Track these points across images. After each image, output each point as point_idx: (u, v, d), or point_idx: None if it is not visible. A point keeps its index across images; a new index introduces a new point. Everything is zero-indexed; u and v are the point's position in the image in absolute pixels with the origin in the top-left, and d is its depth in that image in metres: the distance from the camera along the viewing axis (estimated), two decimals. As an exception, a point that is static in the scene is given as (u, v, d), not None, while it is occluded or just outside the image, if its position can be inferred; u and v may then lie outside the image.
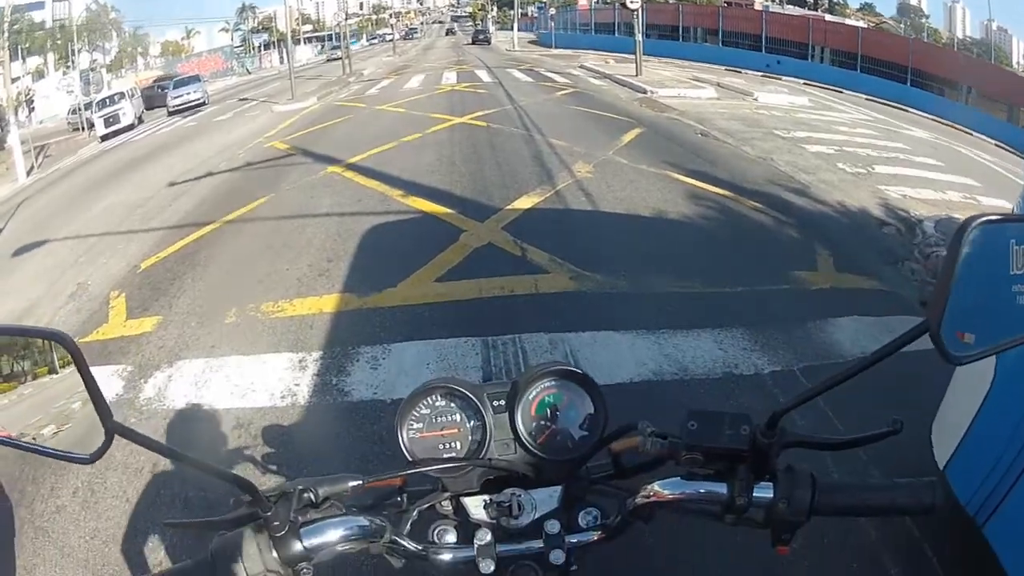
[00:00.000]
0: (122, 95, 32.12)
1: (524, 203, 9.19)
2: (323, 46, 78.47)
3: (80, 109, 32.73)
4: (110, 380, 5.45)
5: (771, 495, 1.11)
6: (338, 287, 7.00)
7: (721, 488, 1.13)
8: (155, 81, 43.48)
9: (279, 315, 6.53)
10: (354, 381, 5.18)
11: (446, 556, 1.24)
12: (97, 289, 8.05)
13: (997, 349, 1.09)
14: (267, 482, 3.84)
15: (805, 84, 28.23)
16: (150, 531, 3.78)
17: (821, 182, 10.62)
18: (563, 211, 8.93)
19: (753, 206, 9.09)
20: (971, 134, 21.68)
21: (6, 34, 34.20)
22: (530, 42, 58.46)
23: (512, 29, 60.56)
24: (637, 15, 26.65)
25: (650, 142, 13.37)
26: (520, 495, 1.27)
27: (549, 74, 28.69)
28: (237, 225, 9.79)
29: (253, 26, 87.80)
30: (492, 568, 1.20)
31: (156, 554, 3.60)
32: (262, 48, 76.27)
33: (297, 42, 66.48)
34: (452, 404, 1.34)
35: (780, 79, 29.04)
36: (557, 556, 1.21)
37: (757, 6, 51.98)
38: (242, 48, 77.60)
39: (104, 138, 28.90)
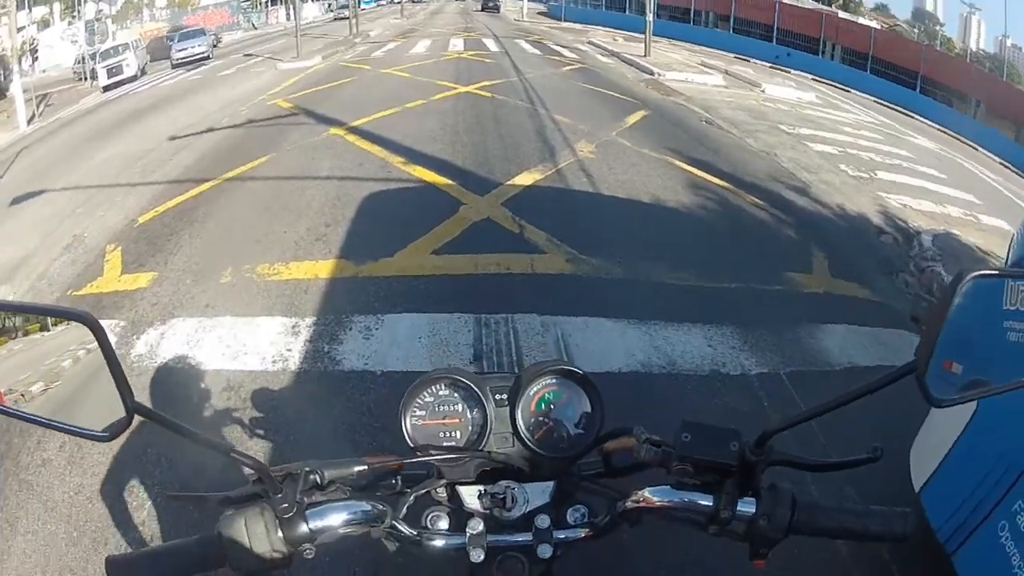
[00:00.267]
0: (126, 46, 31.89)
1: (525, 179, 9.19)
2: (330, 4, 77.72)
3: (85, 59, 32.31)
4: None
5: (753, 510, 1.16)
6: (335, 253, 7.00)
7: (707, 500, 1.18)
8: (166, 33, 43.10)
9: (274, 278, 6.54)
10: (346, 350, 5.21)
11: (438, 542, 1.27)
12: (93, 241, 8.03)
13: (977, 395, 1.14)
14: (254, 447, 3.90)
15: (813, 79, 28.11)
16: (135, 489, 3.81)
17: (822, 183, 10.61)
18: (563, 190, 8.93)
19: (753, 201, 9.10)
20: (976, 149, 21.64)
21: None
22: (539, 13, 57.84)
23: (521, -1, 59.98)
24: (649, -5, 26.39)
25: (654, 126, 13.33)
26: (514, 488, 1.29)
27: (557, 48, 28.51)
28: (237, 183, 9.75)
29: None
30: (482, 557, 1.23)
31: (140, 512, 3.64)
32: (268, 4, 75.44)
33: (304, -1, 65.83)
34: (455, 394, 1.37)
35: (788, 72, 28.91)
36: (544, 550, 1.24)
37: (771, -3, 51.57)
38: (249, 3, 76.73)
39: (106, 88, 28.61)
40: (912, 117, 24.55)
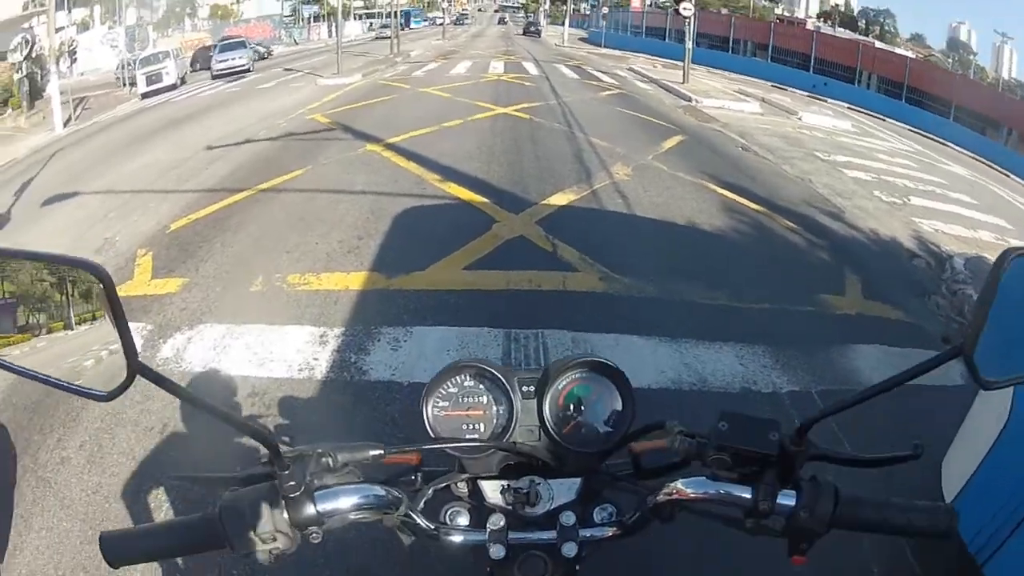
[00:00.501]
0: (167, 54, 32.17)
1: (560, 199, 9.18)
2: (371, 23, 78.54)
3: (127, 64, 32.81)
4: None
5: (793, 503, 1.11)
6: (366, 265, 7.03)
7: (746, 492, 1.13)
8: (214, 43, 43.81)
9: (304, 288, 6.58)
10: (373, 361, 5.21)
11: (457, 538, 1.24)
12: (124, 245, 8.11)
13: None
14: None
15: (849, 108, 27.99)
16: (155, 491, 3.81)
17: (856, 208, 10.54)
18: (598, 211, 8.91)
19: (787, 225, 9.05)
20: (1008, 176, 21.47)
21: None
22: (580, 39, 58.24)
23: (563, 24, 60.41)
24: (689, 23, 26.60)
25: (690, 151, 13.33)
26: (539, 483, 1.27)
27: (596, 73, 28.59)
28: (271, 194, 9.82)
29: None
30: (503, 554, 1.20)
31: (159, 514, 3.63)
32: (311, 20, 76.43)
33: (347, 17, 66.54)
34: (480, 385, 1.34)
35: (825, 101, 28.79)
36: (569, 548, 1.21)
37: (808, 26, 51.58)
38: (292, 18, 77.84)
39: (145, 96, 28.97)
40: (946, 145, 24.41)
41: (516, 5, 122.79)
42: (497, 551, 1.21)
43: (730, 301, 6.40)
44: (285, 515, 1.10)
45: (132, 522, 3.60)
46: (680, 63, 26.56)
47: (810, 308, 6.55)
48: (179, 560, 2.61)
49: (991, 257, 6.95)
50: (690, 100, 21.03)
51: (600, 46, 49.07)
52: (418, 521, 1.23)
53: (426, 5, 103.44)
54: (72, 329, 1.14)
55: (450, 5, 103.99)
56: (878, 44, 41.55)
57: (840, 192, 11.39)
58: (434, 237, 7.71)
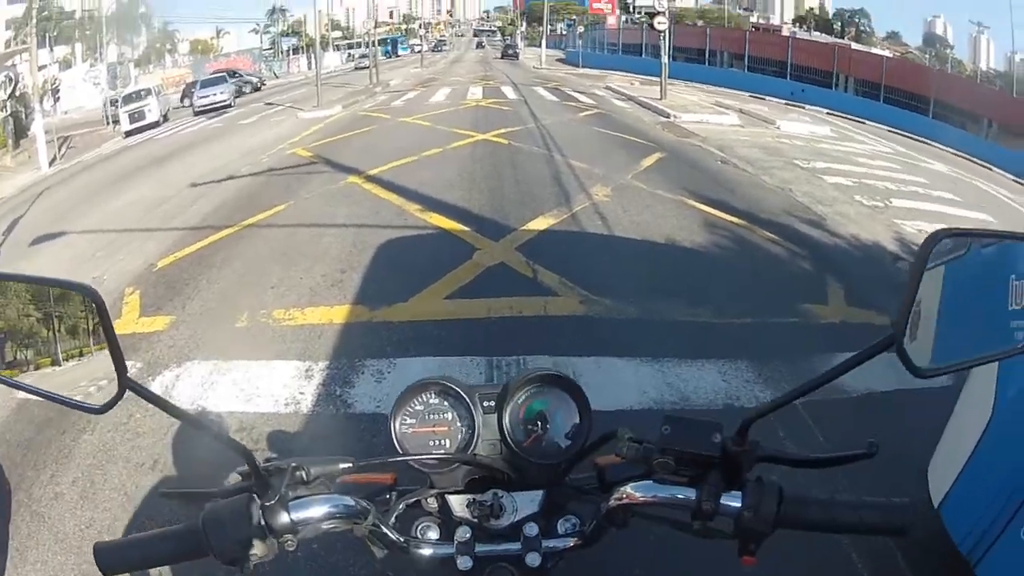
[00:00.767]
0: (148, 91, 32.41)
1: (540, 224, 9.24)
2: (351, 54, 78.88)
3: (112, 102, 32.90)
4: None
5: (739, 504, 1.12)
6: (350, 298, 7.08)
7: (691, 493, 1.14)
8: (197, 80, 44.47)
9: (289, 323, 6.62)
10: (358, 393, 5.25)
11: (427, 551, 1.27)
12: (112, 284, 8.15)
13: (964, 365, 1.14)
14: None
15: (828, 114, 28.22)
16: (148, 526, 3.82)
17: (837, 214, 10.63)
18: (578, 234, 8.96)
19: (767, 237, 9.10)
20: (991, 169, 21.67)
21: (34, 20, 34.52)
22: (557, 60, 58.53)
23: (540, 46, 60.72)
24: (664, 36, 26.74)
25: (670, 167, 13.42)
26: (503, 496, 1.30)
27: (574, 94, 28.80)
28: (255, 230, 9.91)
29: (283, 29, 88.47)
30: (469, 565, 1.23)
31: None
32: (291, 52, 76.72)
33: (325, 48, 66.79)
34: (445, 402, 1.38)
35: (803, 108, 29.02)
36: (533, 559, 1.24)
37: (784, 32, 51.93)
38: (271, 51, 78.09)
39: (128, 134, 29.23)
40: (926, 143, 24.59)
41: (492, 28, 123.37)
42: (464, 562, 1.23)
43: (712, 318, 6.42)
44: (263, 523, 1.14)
45: None
46: (656, 79, 26.76)
47: (793, 319, 6.57)
48: (168, 569, 2.65)
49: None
50: (668, 116, 21.20)
51: (578, 66, 49.41)
52: (388, 532, 1.25)
53: (404, 32, 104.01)
54: (66, 348, 1.20)
55: (427, 32, 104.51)
56: (854, 46, 41.92)
57: (820, 199, 11.49)
58: (416, 268, 7.74)
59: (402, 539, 1.26)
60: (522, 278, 7.36)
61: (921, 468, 3.17)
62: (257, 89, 46.82)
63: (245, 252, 8.93)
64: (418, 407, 1.38)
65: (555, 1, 75.31)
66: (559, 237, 8.81)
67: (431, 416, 1.38)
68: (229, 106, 34.28)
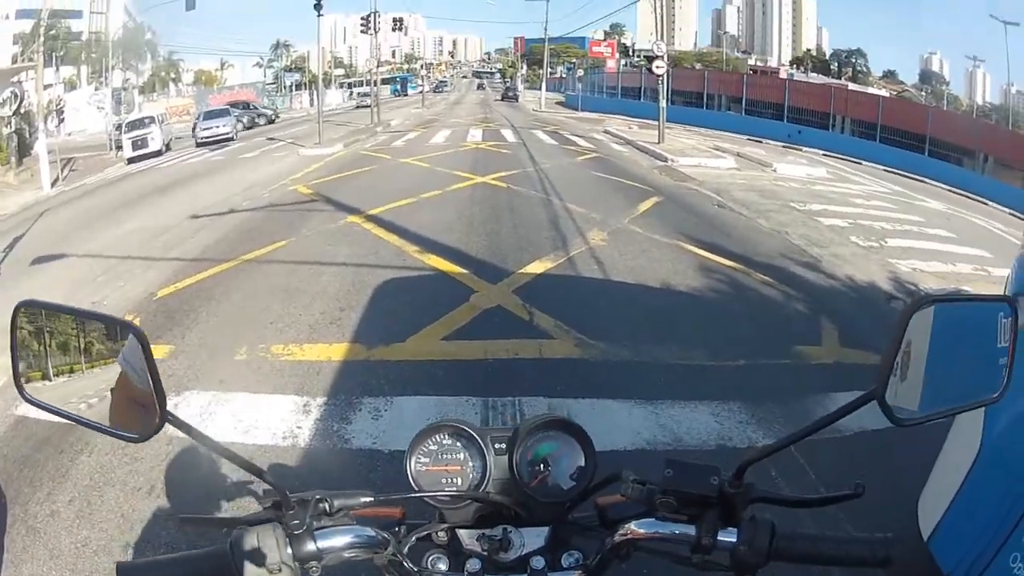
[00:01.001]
0: (152, 120, 32.63)
1: (537, 267, 9.31)
2: (352, 92, 79.38)
3: (117, 128, 33.09)
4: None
5: (735, 539, 1.22)
6: (348, 336, 7.14)
7: (690, 529, 1.23)
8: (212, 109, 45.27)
9: (288, 358, 6.68)
10: (355, 429, 5.29)
11: None
12: (112, 309, 8.18)
13: (940, 415, 1.23)
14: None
15: (825, 155, 28.48)
16: (145, 549, 3.89)
17: (833, 256, 10.75)
18: (574, 278, 9.03)
19: (763, 280, 9.19)
20: (986, 203, 21.90)
21: (41, 37, 34.78)
22: (557, 103, 59.01)
23: (540, 89, 61.17)
24: (662, 81, 26.98)
25: (666, 212, 13.55)
26: (511, 531, 1.35)
27: (573, 137, 29.09)
28: (255, 265, 9.99)
29: (286, 64, 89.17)
30: None
31: None
32: (293, 88, 77.23)
33: (328, 85, 67.25)
34: (458, 443, 1.45)
35: (800, 150, 29.27)
36: None
37: (782, 74, 52.33)
38: (274, 85, 78.59)
39: (131, 160, 29.42)
40: (923, 181, 24.85)
41: (491, 71, 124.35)
42: None
43: (705, 360, 6.48)
44: (289, 551, 1.22)
45: None
46: (655, 122, 26.93)
47: (786, 361, 6.64)
48: None
49: (971, 288, 7.13)
50: (666, 160, 21.38)
51: (577, 109, 49.78)
52: (404, 563, 1.31)
53: (406, 71, 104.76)
54: (106, 379, 1.23)
55: (429, 73, 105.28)
56: (851, 86, 42.23)
57: (816, 241, 11.62)
58: (414, 308, 7.79)
59: (416, 569, 1.32)
60: (519, 321, 7.42)
61: (911, 503, 3.23)
62: (271, 122, 47.60)
63: (245, 286, 9.01)
64: (432, 447, 1.46)
65: (555, 44, 75.93)
66: (556, 281, 8.87)
67: (444, 456, 1.45)
68: (231, 139, 34.59)
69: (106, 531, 4.08)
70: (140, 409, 1.16)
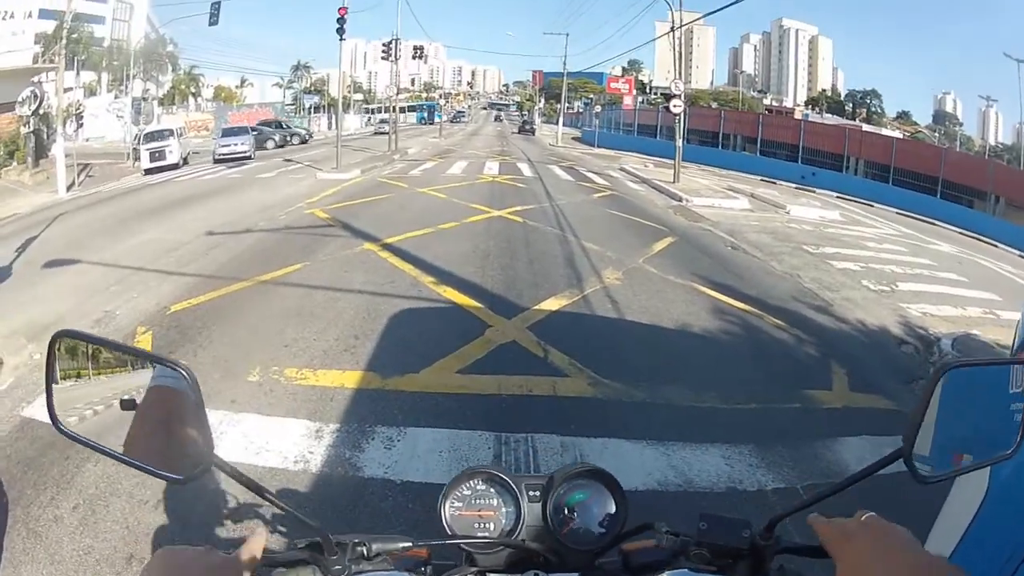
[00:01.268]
0: (171, 132, 33.11)
1: (552, 304, 9.33)
2: (370, 118, 79.83)
3: (136, 138, 33.39)
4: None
5: None
6: (362, 364, 7.14)
7: None
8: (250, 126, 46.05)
9: (301, 382, 6.70)
10: (367, 458, 5.29)
11: None
12: (124, 320, 8.35)
13: (961, 471, 1.33)
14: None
15: (838, 197, 28.59)
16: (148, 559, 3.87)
17: (844, 300, 10.82)
18: (588, 316, 9.04)
19: (775, 323, 9.24)
20: (996, 246, 22.04)
21: (64, 39, 35.08)
22: (573, 138, 59.19)
23: (557, 123, 61.42)
24: (679, 120, 27.10)
25: (681, 252, 13.62)
26: None
27: (589, 174, 29.24)
28: (270, 287, 10.00)
29: (306, 86, 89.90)
30: None
31: None
32: (312, 110, 77.75)
33: (347, 109, 67.72)
34: (491, 489, 1.51)
35: (814, 191, 29.35)
36: None
37: (797, 114, 52.46)
38: (293, 106, 79.24)
39: (148, 171, 29.76)
40: (934, 224, 24.99)
41: (507, 103, 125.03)
42: None
43: (717, 403, 6.52)
44: None
45: None
46: (670, 161, 27.08)
47: (797, 405, 6.69)
48: None
49: (979, 333, 7.19)
50: (680, 200, 21.51)
51: (593, 146, 49.88)
52: None
53: (424, 99, 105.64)
54: (149, 415, 1.24)
55: (447, 102, 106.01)
56: (865, 127, 42.29)
57: (828, 285, 11.69)
58: (429, 340, 7.81)
59: None
60: (533, 357, 7.44)
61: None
62: (304, 141, 48.21)
63: (259, 307, 9.03)
64: (466, 492, 1.51)
65: (573, 79, 76.42)
66: (570, 319, 8.88)
67: (478, 500, 1.50)
68: (249, 157, 34.91)
69: (109, 541, 4.10)
70: (182, 449, 1.18)
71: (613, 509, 1.50)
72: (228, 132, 38.46)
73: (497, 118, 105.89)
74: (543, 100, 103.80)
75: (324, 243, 13.03)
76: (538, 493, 1.50)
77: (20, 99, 28.67)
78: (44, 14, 51.27)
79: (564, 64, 60.16)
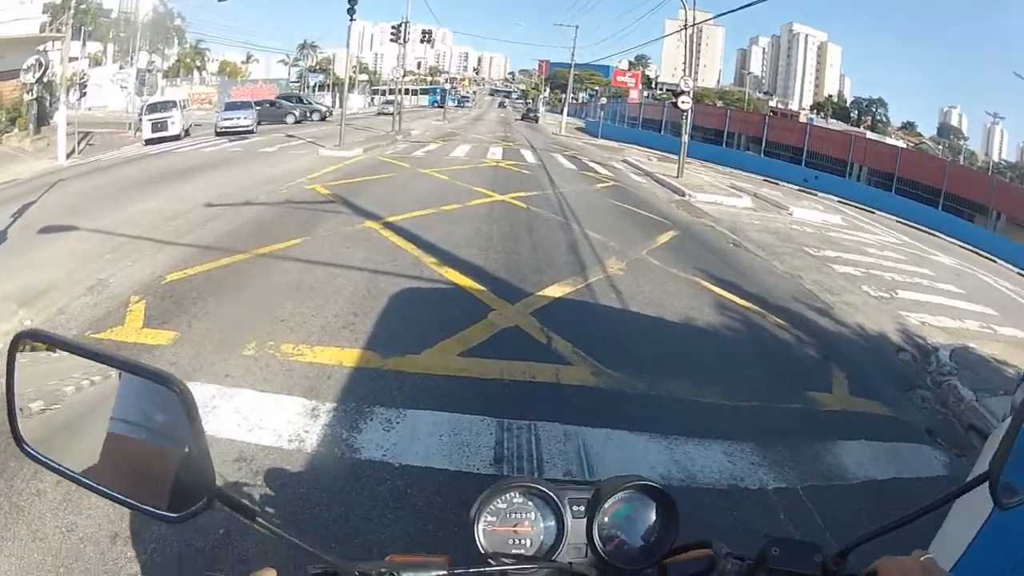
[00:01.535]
0: (174, 104, 33.22)
1: (555, 291, 9.26)
2: (373, 98, 79.93)
3: (142, 109, 33.27)
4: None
5: None
6: (361, 343, 7.02)
7: None
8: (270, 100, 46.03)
9: (298, 358, 6.57)
10: (365, 439, 5.18)
11: None
12: (118, 289, 8.20)
13: None
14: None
15: (840, 202, 28.57)
16: (134, 542, 3.81)
17: (844, 303, 10.80)
18: (592, 305, 8.98)
19: (776, 322, 9.22)
20: (995, 261, 22.12)
21: (72, 9, 34.98)
22: (577, 128, 59.10)
23: (561, 112, 61.29)
24: (686, 116, 27.05)
25: (683, 246, 13.58)
26: None
27: (592, 164, 29.16)
28: (269, 260, 9.86)
29: (311, 65, 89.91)
30: None
31: (130, 566, 3.65)
32: (317, 88, 77.78)
33: (352, 89, 67.76)
34: (529, 503, 1.41)
35: (816, 195, 29.31)
36: None
37: (802, 118, 52.53)
38: (298, 84, 79.28)
39: (149, 142, 29.73)
40: (934, 235, 25.08)
41: (517, 91, 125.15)
42: None
43: (719, 399, 6.48)
44: None
45: (105, 567, 3.62)
46: (674, 156, 27.07)
47: (798, 405, 6.67)
48: None
49: (976, 346, 7.20)
50: (684, 195, 21.45)
51: (597, 137, 49.82)
52: None
53: (428, 82, 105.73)
54: (133, 439, 1.09)
55: (453, 87, 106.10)
56: (869, 135, 42.35)
57: (829, 288, 11.66)
58: (430, 321, 7.73)
59: None
60: (536, 343, 7.37)
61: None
62: (324, 118, 48.03)
63: (257, 280, 8.90)
64: (501, 505, 1.40)
65: (580, 70, 76.28)
66: (574, 306, 8.82)
67: (514, 515, 1.40)
68: (251, 131, 34.97)
69: (93, 519, 3.99)
70: (176, 479, 1.02)
71: (659, 524, 1.42)
72: (231, 106, 38.80)
73: (501, 104, 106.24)
74: (548, 89, 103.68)
75: (325, 219, 12.91)
76: (583, 508, 1.42)
77: (25, 66, 28.61)
78: (54, -17, 51.29)
79: (572, 55, 59.97)
